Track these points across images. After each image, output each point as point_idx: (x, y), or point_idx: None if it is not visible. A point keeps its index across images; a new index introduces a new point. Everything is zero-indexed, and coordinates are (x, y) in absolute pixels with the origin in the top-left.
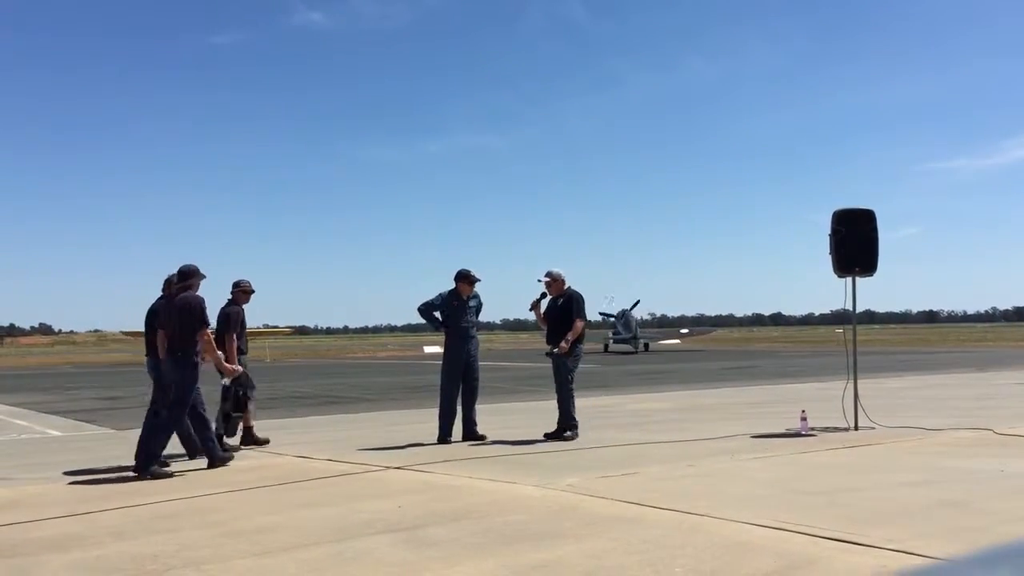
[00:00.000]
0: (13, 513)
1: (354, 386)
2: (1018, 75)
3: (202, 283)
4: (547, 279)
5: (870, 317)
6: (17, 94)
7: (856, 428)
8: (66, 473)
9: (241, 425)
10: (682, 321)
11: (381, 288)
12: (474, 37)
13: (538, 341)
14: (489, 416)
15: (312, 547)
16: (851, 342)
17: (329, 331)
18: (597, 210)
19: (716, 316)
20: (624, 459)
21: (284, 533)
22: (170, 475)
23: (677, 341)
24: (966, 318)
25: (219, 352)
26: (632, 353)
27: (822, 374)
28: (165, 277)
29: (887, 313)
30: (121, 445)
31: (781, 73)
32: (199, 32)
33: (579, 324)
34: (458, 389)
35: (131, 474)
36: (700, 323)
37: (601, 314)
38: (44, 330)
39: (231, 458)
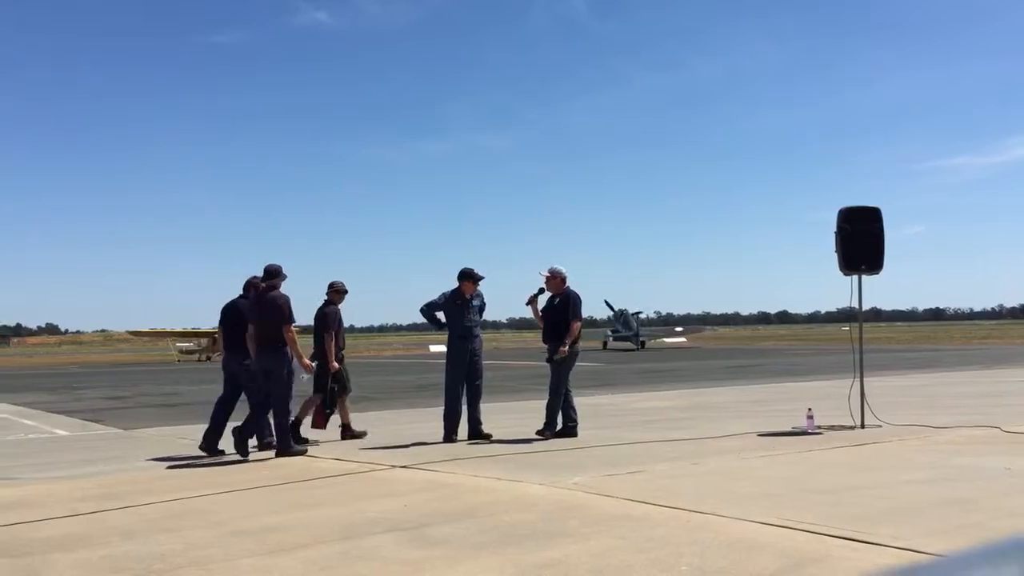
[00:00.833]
0: (20, 512)
1: (359, 385)
2: (1022, 73)
3: (210, 282)
4: (547, 274)
5: (876, 315)
6: (17, 94)
7: (863, 426)
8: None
9: (339, 421)
10: (688, 320)
11: (386, 288)
12: (477, 36)
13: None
14: (494, 415)
15: (318, 546)
16: (857, 340)
17: None
18: (601, 209)
19: (722, 314)
20: (630, 457)
21: (290, 532)
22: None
23: (683, 340)
24: (972, 315)
25: (300, 348)
26: (632, 350)
27: (828, 372)
28: (245, 280)
29: (893, 311)
30: (127, 445)
31: (785, 72)
32: (202, 32)
33: (575, 326)
34: (462, 388)
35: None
36: (706, 321)
37: (606, 303)
38: (51, 330)
39: (304, 450)
